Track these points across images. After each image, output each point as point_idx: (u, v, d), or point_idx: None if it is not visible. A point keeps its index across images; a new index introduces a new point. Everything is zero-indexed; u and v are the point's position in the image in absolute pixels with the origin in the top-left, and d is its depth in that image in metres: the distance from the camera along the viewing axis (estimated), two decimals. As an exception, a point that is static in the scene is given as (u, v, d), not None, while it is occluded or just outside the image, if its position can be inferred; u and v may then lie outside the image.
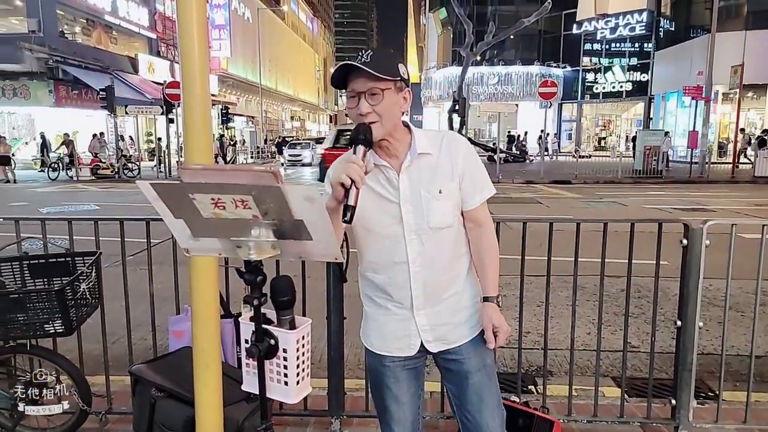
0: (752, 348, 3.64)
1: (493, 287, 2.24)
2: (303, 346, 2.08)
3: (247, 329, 2.05)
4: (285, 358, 2.03)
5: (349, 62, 1.96)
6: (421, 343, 2.22)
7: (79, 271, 3.29)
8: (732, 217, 12.46)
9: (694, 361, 3.50)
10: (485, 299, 2.24)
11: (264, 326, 1.99)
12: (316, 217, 1.69)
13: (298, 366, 2.05)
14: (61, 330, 3.16)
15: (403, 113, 2.10)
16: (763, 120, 32.47)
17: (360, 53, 1.99)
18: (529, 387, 4.51)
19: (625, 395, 3.79)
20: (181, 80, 2.19)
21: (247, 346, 2.01)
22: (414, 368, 2.31)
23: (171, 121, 25.91)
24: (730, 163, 26.09)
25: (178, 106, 23.98)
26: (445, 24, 57.12)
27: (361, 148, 1.92)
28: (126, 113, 27.84)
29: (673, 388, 3.64)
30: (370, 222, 2.11)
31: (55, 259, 3.42)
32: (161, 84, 27.90)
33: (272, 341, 2.00)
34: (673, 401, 3.60)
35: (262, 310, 1.99)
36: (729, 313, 3.67)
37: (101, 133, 29.30)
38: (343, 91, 2.04)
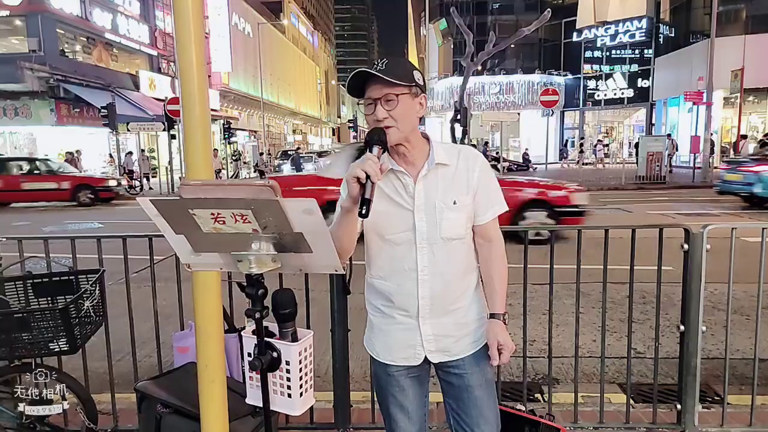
0: (755, 351, 3.64)
1: (500, 304, 2.25)
2: (306, 358, 2.09)
3: (249, 342, 2.06)
4: (288, 371, 2.05)
5: (365, 69, 2.00)
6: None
7: (83, 289, 3.30)
8: (735, 221, 12.45)
9: (698, 365, 3.50)
10: (492, 316, 2.25)
11: (266, 339, 2.00)
12: (316, 229, 1.70)
13: (301, 378, 2.06)
14: (65, 348, 3.16)
15: (419, 119, 2.13)
16: (765, 124, 32.40)
17: (375, 61, 2.03)
18: (536, 395, 4.49)
19: (631, 401, 3.79)
20: (180, 97, 2.21)
21: (250, 359, 2.02)
22: (418, 376, 2.31)
23: (173, 137, 25.96)
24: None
25: (180, 122, 23.97)
26: (446, 35, 57.23)
27: (376, 148, 1.96)
28: (128, 130, 27.92)
29: (678, 393, 3.63)
30: (383, 227, 2.13)
31: (58, 278, 3.44)
32: (163, 100, 27.95)
33: (275, 354, 2.01)
34: (679, 406, 3.60)
35: (265, 323, 2.01)
36: (734, 316, 3.67)
37: (142, 150, 30.18)
38: (361, 100, 2.08)
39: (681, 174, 27.33)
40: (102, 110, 25.35)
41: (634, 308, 3.76)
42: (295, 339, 2.07)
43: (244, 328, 2.13)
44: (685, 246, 3.47)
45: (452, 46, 54.51)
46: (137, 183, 26.99)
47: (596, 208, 15.83)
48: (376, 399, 3.72)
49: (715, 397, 4.33)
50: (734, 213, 14.77)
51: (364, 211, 1.86)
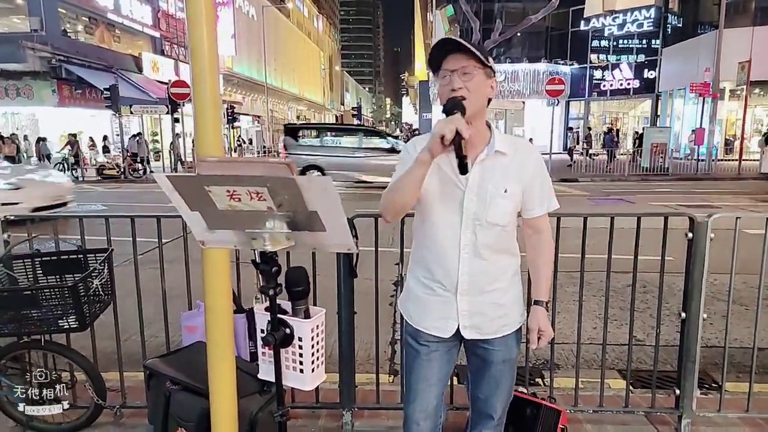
0: (755, 340, 3.68)
1: (544, 292, 2.36)
2: (318, 335, 2.13)
3: (262, 319, 2.10)
4: (300, 347, 2.09)
5: (450, 37, 2.09)
6: (457, 327, 2.30)
7: (92, 268, 3.33)
8: (737, 212, 12.47)
9: (697, 351, 3.53)
10: (536, 302, 2.35)
11: (279, 316, 2.04)
12: (330, 207, 1.74)
13: (312, 354, 2.11)
14: (75, 326, 3.20)
15: (488, 101, 2.20)
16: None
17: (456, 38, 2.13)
18: (537, 380, 4.55)
19: (630, 386, 3.83)
20: (191, 78, 2.23)
21: (263, 335, 2.06)
22: (447, 351, 2.39)
23: (176, 120, 25.85)
24: (736, 160, 25.97)
25: (183, 105, 23.89)
26: (452, 21, 56.93)
27: (458, 113, 2.02)
28: (131, 113, 27.78)
29: (677, 379, 3.67)
30: (434, 202, 2.21)
31: (67, 256, 3.46)
32: (166, 83, 27.80)
33: (288, 330, 2.06)
34: (677, 391, 3.64)
35: (277, 300, 2.05)
36: (734, 307, 3.70)
37: (139, 133, 29.54)
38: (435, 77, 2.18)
39: (684, 165, 27.14)
40: (105, 92, 25.11)
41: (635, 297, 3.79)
42: (307, 316, 2.11)
43: (252, 308, 2.17)
44: (690, 234, 3.50)
45: (459, 33, 54.20)
46: (140, 166, 26.90)
47: (599, 199, 15.85)
48: (380, 381, 3.80)
49: (713, 385, 4.39)
50: (737, 204, 14.78)
51: (465, 169, 1.98)
